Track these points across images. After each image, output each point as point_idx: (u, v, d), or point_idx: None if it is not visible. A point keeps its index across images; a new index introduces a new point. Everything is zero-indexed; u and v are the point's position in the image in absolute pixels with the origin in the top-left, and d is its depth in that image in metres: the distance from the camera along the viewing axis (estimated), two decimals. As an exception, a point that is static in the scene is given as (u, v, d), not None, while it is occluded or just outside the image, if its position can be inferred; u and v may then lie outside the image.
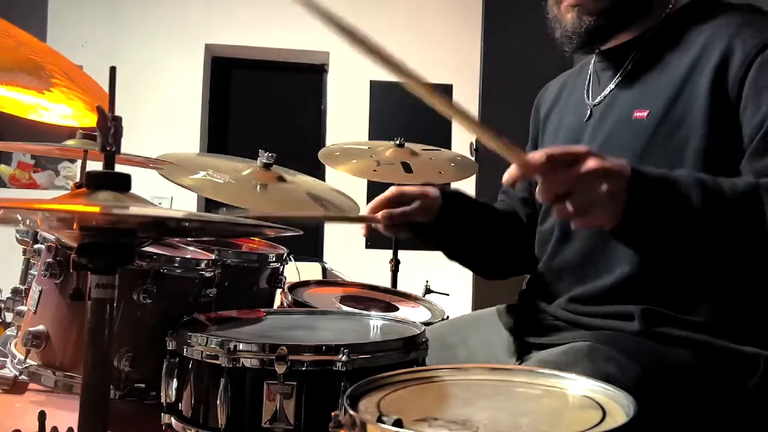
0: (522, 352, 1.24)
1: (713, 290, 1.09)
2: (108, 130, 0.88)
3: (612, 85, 1.23)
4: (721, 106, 1.06)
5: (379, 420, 0.69)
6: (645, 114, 1.13)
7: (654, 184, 0.93)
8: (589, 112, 1.26)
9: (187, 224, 1.03)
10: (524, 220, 1.43)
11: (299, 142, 4.78)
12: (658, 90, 1.14)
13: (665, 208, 0.93)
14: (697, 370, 1.05)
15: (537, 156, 0.87)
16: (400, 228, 1.28)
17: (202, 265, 1.41)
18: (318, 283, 1.99)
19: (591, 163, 0.87)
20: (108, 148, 0.90)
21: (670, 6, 1.21)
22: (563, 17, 1.22)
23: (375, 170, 2.40)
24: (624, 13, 1.20)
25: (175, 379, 1.14)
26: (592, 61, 1.33)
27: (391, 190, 1.28)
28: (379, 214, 1.25)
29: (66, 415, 1.08)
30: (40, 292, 1.36)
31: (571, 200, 0.88)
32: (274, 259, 1.68)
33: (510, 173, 0.90)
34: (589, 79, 1.32)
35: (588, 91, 1.30)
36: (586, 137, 1.24)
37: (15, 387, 1.55)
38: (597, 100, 1.25)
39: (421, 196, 1.27)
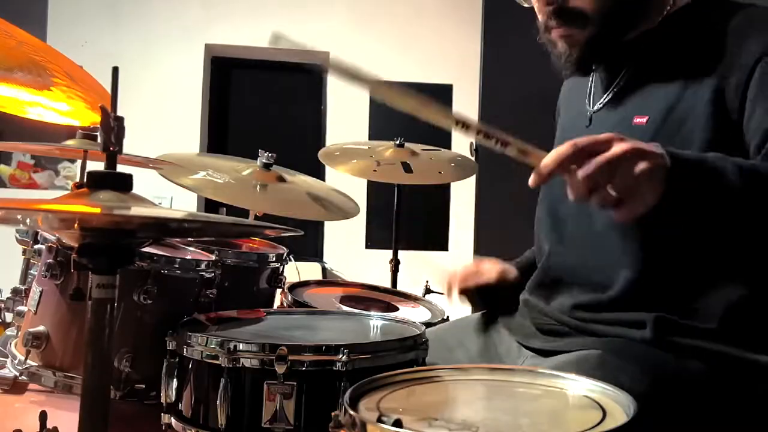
0: (525, 357, 1.22)
1: (723, 295, 1.07)
2: (111, 130, 0.88)
3: (611, 93, 1.22)
4: (722, 110, 1.05)
5: (379, 420, 0.69)
6: (645, 120, 1.12)
7: (688, 157, 0.94)
8: (589, 118, 1.25)
9: (187, 225, 1.03)
10: None
11: (299, 142, 4.77)
12: (658, 96, 1.13)
13: (703, 179, 0.94)
14: (710, 381, 1.04)
15: (563, 149, 0.88)
16: (473, 299, 1.41)
17: (202, 266, 1.41)
18: (318, 283, 1.99)
19: (624, 145, 0.88)
20: (111, 148, 0.90)
21: (668, 8, 1.18)
22: (555, 44, 1.21)
23: (375, 170, 2.40)
24: (613, 34, 1.17)
25: (175, 379, 1.14)
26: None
27: (471, 267, 1.42)
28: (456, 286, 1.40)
29: (66, 415, 1.08)
30: (41, 292, 1.36)
31: (614, 185, 0.88)
32: (274, 259, 1.68)
33: (535, 176, 0.91)
34: (591, 84, 1.30)
35: (589, 96, 1.29)
36: None
37: (15, 387, 1.55)
38: (596, 107, 1.24)
39: (499, 276, 1.39)
